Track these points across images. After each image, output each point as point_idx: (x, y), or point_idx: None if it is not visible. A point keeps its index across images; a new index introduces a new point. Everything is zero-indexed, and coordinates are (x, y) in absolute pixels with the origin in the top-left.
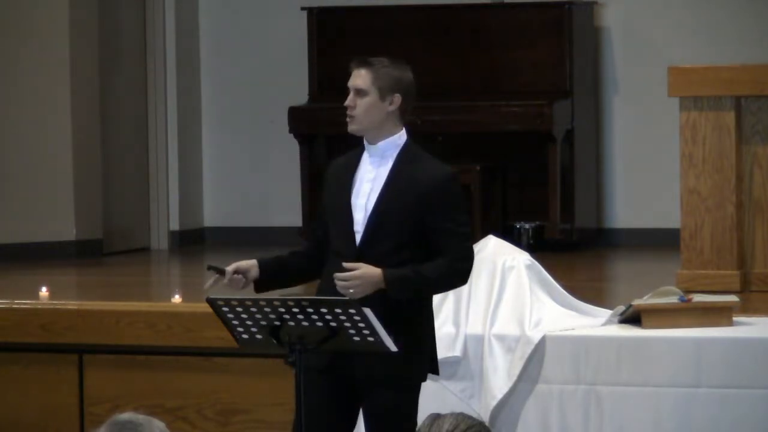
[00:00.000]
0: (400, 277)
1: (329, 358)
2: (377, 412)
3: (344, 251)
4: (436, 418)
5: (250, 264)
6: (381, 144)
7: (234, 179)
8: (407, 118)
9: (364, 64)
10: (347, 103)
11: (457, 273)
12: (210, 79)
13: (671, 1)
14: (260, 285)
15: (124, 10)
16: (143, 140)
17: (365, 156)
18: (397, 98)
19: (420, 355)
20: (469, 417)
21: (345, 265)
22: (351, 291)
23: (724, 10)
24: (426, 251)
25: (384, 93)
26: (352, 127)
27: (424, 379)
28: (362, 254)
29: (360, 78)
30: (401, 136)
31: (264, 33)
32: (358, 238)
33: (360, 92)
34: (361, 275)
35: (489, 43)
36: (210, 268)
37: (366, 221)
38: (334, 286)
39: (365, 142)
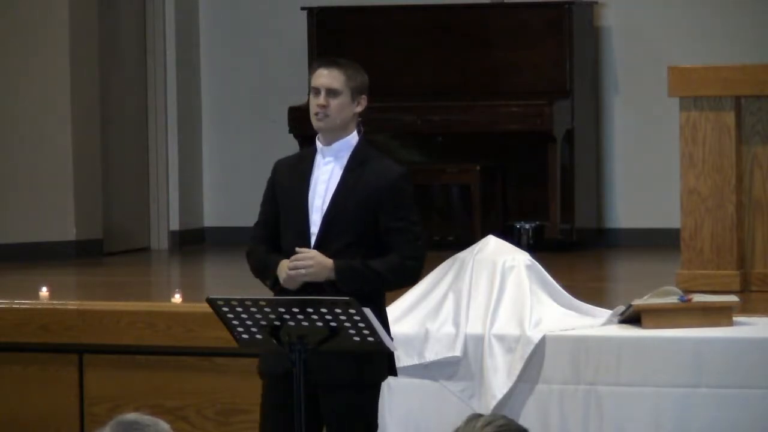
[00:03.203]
0: (350, 267)
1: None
2: (338, 414)
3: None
4: (473, 417)
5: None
6: (336, 144)
7: (234, 179)
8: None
9: (335, 64)
10: (321, 102)
11: (407, 271)
12: (210, 79)
13: (671, 1)
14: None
15: (124, 10)
16: (143, 140)
17: (318, 157)
18: (364, 100)
19: (379, 355)
20: (505, 417)
21: (298, 249)
22: (302, 272)
23: (724, 10)
24: (378, 251)
25: (354, 94)
26: (322, 125)
27: (384, 379)
28: None
29: (332, 78)
30: (354, 137)
31: (264, 33)
32: (314, 239)
33: (333, 92)
34: (314, 256)
35: (489, 43)
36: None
37: (320, 222)
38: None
39: (318, 143)
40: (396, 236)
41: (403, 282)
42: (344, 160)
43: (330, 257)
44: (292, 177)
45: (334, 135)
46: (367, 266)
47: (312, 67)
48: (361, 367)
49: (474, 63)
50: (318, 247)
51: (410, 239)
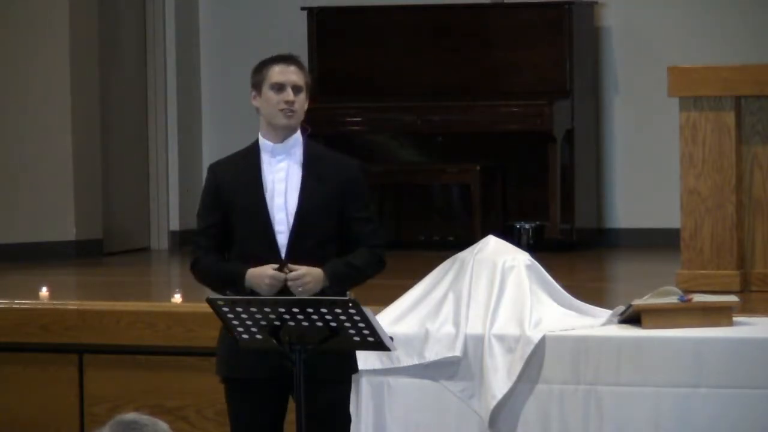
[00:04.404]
0: (337, 272)
1: (270, 368)
2: (321, 410)
3: (264, 252)
4: None
5: None
6: (289, 142)
7: None
8: None
9: (294, 60)
10: (291, 98)
11: (379, 259)
12: (210, 79)
13: (671, 1)
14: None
15: (124, 10)
16: (143, 140)
17: (265, 156)
18: (308, 96)
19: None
20: None
21: (290, 266)
22: (304, 289)
23: (724, 10)
24: (343, 242)
25: (308, 90)
26: (293, 122)
27: (356, 372)
28: (288, 253)
29: (296, 74)
30: (299, 133)
31: (264, 33)
32: (281, 238)
33: (298, 88)
34: (307, 273)
35: (489, 43)
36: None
37: (290, 221)
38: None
39: (266, 141)
40: (361, 226)
41: (377, 271)
42: (297, 157)
43: (302, 255)
44: (242, 178)
45: (291, 132)
46: (350, 265)
47: (265, 64)
48: (344, 364)
49: (474, 63)
50: (290, 245)
51: (375, 228)
